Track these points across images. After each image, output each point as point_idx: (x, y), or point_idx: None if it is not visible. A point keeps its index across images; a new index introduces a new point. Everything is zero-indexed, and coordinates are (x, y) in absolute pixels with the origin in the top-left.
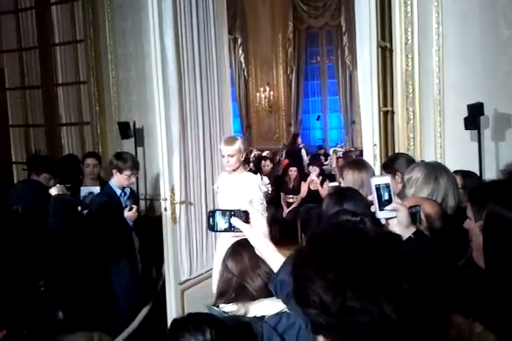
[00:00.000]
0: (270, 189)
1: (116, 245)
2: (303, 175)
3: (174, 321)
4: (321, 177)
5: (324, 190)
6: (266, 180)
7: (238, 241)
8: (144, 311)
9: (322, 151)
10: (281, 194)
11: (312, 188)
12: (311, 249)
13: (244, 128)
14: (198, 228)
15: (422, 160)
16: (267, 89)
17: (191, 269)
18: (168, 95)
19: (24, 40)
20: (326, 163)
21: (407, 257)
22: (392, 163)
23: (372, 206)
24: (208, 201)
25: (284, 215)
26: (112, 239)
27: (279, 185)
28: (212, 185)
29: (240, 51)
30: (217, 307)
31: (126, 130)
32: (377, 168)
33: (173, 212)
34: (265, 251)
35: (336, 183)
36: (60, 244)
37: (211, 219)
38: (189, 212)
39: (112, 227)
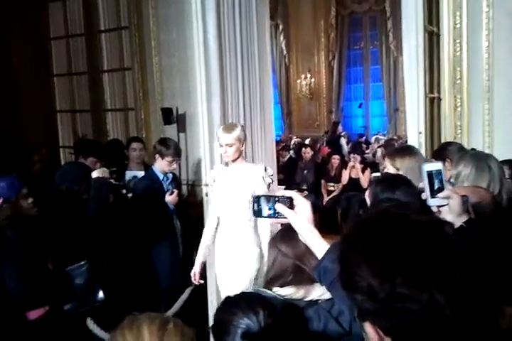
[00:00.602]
0: (275, 181)
1: (157, 227)
2: (344, 164)
3: (227, 298)
4: (362, 166)
5: (366, 178)
6: (270, 170)
7: (286, 225)
8: (186, 293)
9: (363, 139)
10: (322, 181)
11: (353, 176)
12: (359, 234)
13: (284, 115)
14: None
15: (472, 149)
16: (308, 75)
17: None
18: (210, 81)
19: (71, 27)
20: (367, 151)
21: (457, 246)
22: (443, 150)
23: (423, 193)
24: None
25: (324, 203)
26: (153, 221)
27: (319, 173)
28: None
29: (281, 37)
30: (270, 290)
31: (168, 116)
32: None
33: None
34: (309, 238)
35: (378, 174)
36: (99, 226)
37: (255, 205)
38: None
39: (154, 210)
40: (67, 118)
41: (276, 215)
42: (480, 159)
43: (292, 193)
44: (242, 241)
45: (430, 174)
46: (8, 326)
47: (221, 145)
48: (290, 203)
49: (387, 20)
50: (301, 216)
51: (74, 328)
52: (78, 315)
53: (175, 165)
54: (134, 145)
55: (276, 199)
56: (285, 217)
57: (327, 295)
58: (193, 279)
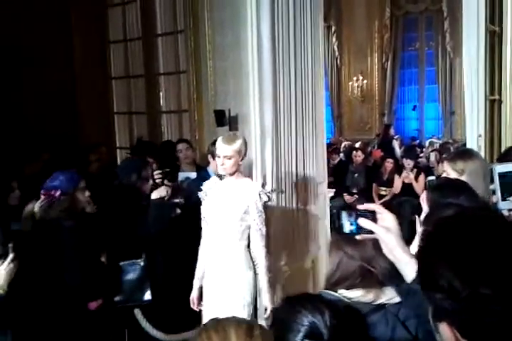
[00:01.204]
0: (272, 197)
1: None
2: (397, 168)
3: (288, 298)
4: (415, 171)
5: (420, 183)
6: (268, 187)
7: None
8: None
9: (416, 143)
10: (374, 185)
11: (406, 181)
12: (441, 233)
13: (335, 117)
14: (289, 215)
15: None
16: (360, 77)
17: (281, 256)
18: (263, 83)
19: (129, 31)
20: (421, 155)
21: None
22: (508, 154)
23: (494, 195)
24: (298, 189)
25: None
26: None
27: (370, 176)
28: (304, 173)
29: (334, 39)
30: (335, 292)
31: (221, 118)
32: None
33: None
34: (399, 254)
35: (433, 177)
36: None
37: (337, 220)
38: (280, 199)
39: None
40: (124, 120)
41: (360, 231)
42: None
43: (376, 206)
44: (233, 264)
45: (503, 175)
46: (69, 316)
47: (218, 157)
48: (373, 217)
49: (444, 21)
50: (388, 231)
51: (122, 320)
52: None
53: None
54: (179, 146)
55: (359, 213)
56: (369, 232)
57: (396, 299)
58: (191, 305)
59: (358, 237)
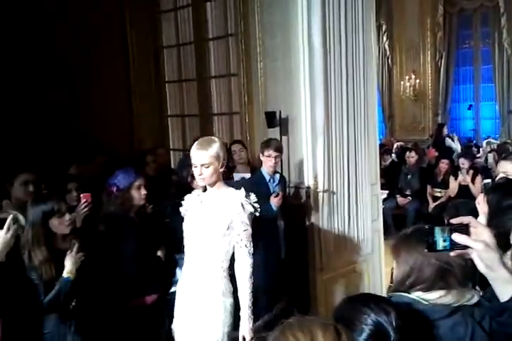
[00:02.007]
0: (258, 209)
1: (258, 228)
2: (453, 169)
3: (349, 298)
4: (471, 172)
5: (477, 185)
6: (253, 197)
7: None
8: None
9: (472, 143)
10: (428, 187)
11: (462, 183)
12: None
13: (386, 118)
14: (340, 217)
15: None
16: (413, 76)
17: (333, 257)
18: (314, 85)
19: (181, 35)
20: (478, 155)
21: None
22: None
23: None
24: (350, 191)
25: (430, 210)
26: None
27: (425, 178)
28: (356, 174)
29: (384, 38)
30: (408, 294)
31: (272, 119)
32: None
33: (316, 200)
34: (499, 271)
35: (489, 180)
36: None
37: (430, 237)
38: (332, 200)
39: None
40: (177, 123)
41: (454, 247)
42: None
43: (470, 219)
44: (210, 290)
45: None
46: (124, 308)
47: (195, 166)
48: (466, 230)
49: (501, 17)
50: (485, 245)
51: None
52: None
53: (274, 161)
54: (234, 147)
55: (452, 228)
56: (463, 247)
57: (473, 301)
58: None
59: (452, 254)
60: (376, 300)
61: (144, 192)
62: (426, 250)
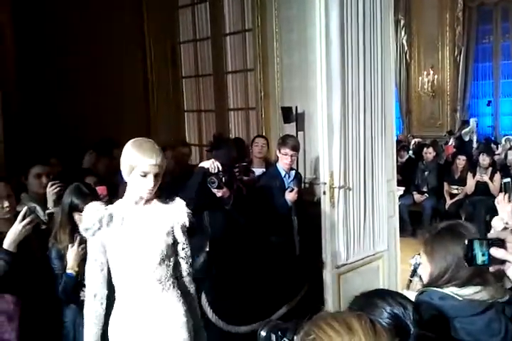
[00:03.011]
0: (193, 220)
1: (272, 224)
2: (471, 165)
3: (364, 293)
4: (490, 169)
5: (496, 183)
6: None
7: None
8: (302, 292)
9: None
10: (445, 184)
11: (480, 180)
12: None
13: (403, 114)
14: (356, 213)
15: None
16: (431, 72)
17: (348, 254)
18: (331, 80)
19: (198, 31)
20: (497, 152)
21: None
22: None
23: None
24: (366, 187)
25: (447, 207)
26: (268, 217)
27: (442, 175)
28: (372, 171)
29: (403, 33)
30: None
31: (288, 114)
32: None
33: (332, 196)
34: None
35: (508, 179)
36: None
37: (470, 251)
38: (347, 196)
39: (269, 206)
40: (194, 118)
41: (490, 261)
42: None
43: (507, 234)
44: (159, 314)
45: None
46: None
47: (144, 175)
48: (503, 245)
49: None
50: None
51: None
52: None
53: (290, 159)
54: (257, 140)
55: (490, 242)
56: (501, 262)
57: (506, 298)
58: None
59: (491, 269)
60: (392, 294)
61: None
62: (466, 264)
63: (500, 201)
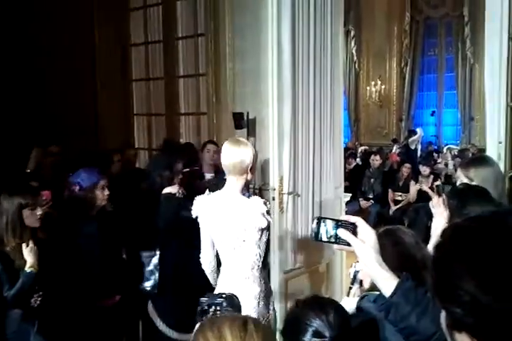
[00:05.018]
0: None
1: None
2: (414, 174)
3: (298, 301)
4: (432, 177)
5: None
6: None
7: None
8: None
9: (433, 148)
10: (389, 191)
11: (422, 188)
12: (459, 243)
13: (351, 122)
14: (304, 219)
15: None
16: (379, 82)
17: (296, 259)
18: (282, 87)
19: (150, 34)
20: (438, 161)
21: None
22: None
23: None
24: (315, 193)
25: (391, 213)
26: None
27: (387, 182)
28: (321, 177)
29: (352, 43)
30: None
31: (240, 120)
32: (501, 167)
33: (281, 202)
34: (376, 270)
35: (438, 182)
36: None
37: (316, 227)
38: (296, 202)
39: None
40: (143, 122)
41: (338, 241)
42: None
43: (357, 219)
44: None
45: None
46: (84, 312)
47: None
48: (353, 229)
49: (465, 26)
50: (367, 245)
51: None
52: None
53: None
54: (209, 146)
55: (339, 223)
56: (346, 244)
57: None
58: None
59: (335, 247)
60: (322, 302)
61: (107, 192)
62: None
63: (435, 204)
